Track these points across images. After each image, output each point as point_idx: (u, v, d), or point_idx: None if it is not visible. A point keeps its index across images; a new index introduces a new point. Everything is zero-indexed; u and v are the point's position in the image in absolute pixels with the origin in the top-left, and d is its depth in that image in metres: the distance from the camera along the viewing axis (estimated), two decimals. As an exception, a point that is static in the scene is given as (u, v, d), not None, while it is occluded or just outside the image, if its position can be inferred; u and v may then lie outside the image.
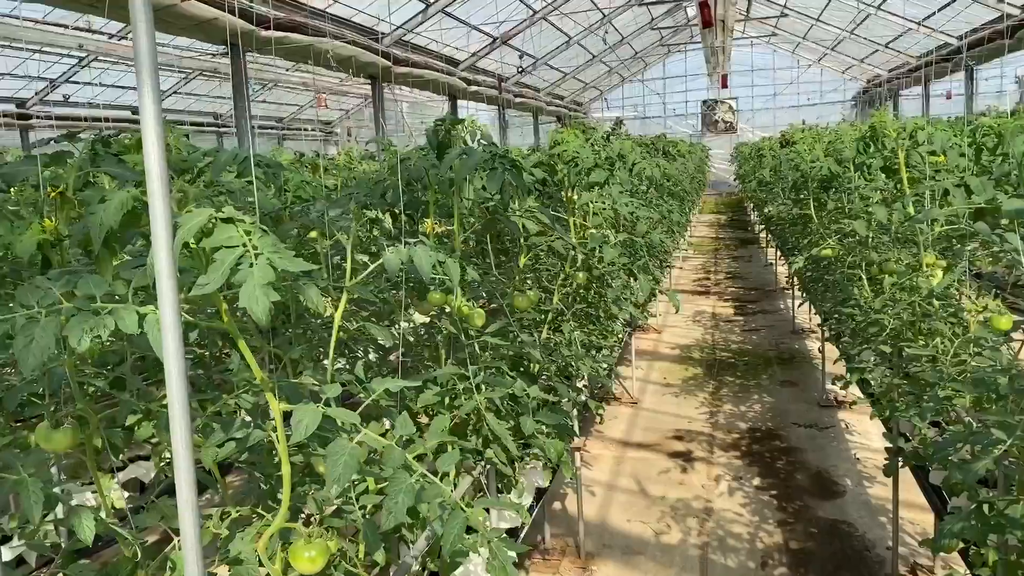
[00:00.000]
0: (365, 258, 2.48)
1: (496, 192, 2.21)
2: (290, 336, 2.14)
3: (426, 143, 2.68)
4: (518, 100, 21.17)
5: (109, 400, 1.92)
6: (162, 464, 2.26)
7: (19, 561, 3.13)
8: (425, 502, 1.38)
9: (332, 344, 1.92)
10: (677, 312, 12.51)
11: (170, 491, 3.35)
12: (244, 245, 1.15)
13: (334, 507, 1.78)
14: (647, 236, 4.05)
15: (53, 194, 1.53)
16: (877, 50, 22.47)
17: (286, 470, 1.47)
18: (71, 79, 17.49)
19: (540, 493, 3.84)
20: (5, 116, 16.21)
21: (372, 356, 2.74)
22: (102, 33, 15.10)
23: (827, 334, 6.33)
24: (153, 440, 2.10)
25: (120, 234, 1.37)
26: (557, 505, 5.34)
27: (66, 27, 14.22)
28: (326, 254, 2.36)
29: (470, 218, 2.91)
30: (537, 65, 21.12)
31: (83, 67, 16.77)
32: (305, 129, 26.96)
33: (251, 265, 1.13)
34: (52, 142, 1.61)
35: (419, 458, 1.59)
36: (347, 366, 2.44)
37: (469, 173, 2.28)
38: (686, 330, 10.18)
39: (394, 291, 3.36)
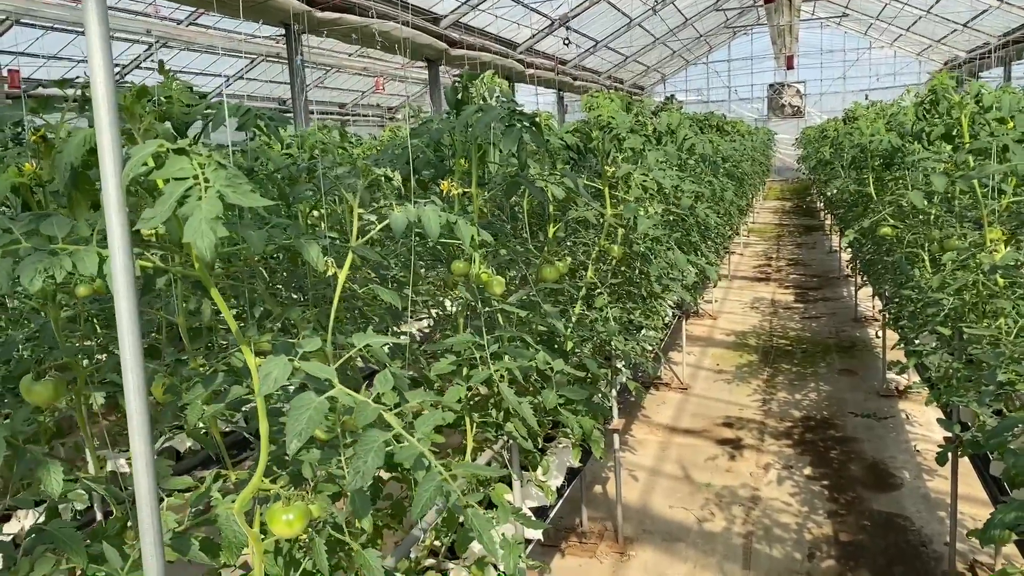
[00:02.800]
0: (374, 218, 2.40)
1: (513, 149, 2.10)
2: (296, 297, 2.08)
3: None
4: (577, 83, 20.90)
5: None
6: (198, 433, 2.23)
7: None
8: (399, 462, 1.29)
9: (334, 303, 1.84)
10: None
11: (206, 461, 3.32)
12: (195, 177, 1.07)
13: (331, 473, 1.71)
14: (692, 211, 3.88)
15: (34, 138, 1.48)
16: (955, 30, 21.46)
17: (263, 427, 1.39)
18: (140, 65, 17.96)
19: (573, 474, 3.73)
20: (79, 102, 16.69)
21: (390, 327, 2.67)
22: (171, 20, 15.47)
23: (887, 319, 6.04)
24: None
25: (88, 174, 1.31)
26: (598, 488, 5.21)
27: (135, 14, 14.61)
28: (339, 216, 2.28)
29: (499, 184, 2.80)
30: (597, 47, 20.81)
31: (152, 53, 17.18)
32: (366, 115, 27.22)
33: (199, 198, 1.05)
34: (39, 87, 1.56)
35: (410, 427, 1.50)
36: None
37: (485, 130, 2.17)
38: (743, 316, 9.89)
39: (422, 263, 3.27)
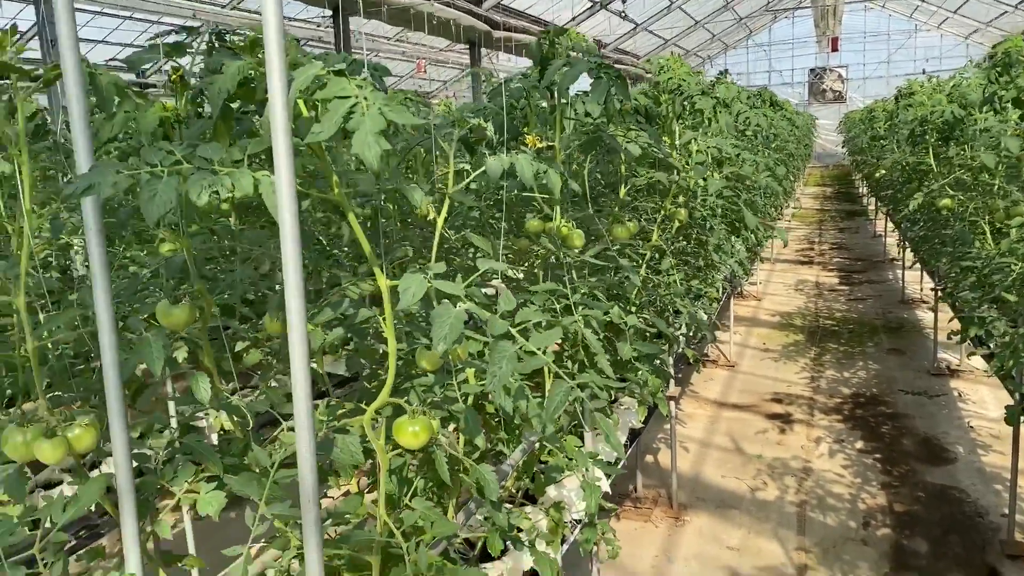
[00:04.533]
0: (467, 166, 2.48)
1: (601, 102, 2.16)
2: (397, 240, 2.17)
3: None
4: (617, 67, 20.79)
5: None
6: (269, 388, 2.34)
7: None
8: (528, 369, 1.37)
9: (435, 244, 1.93)
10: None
11: (273, 421, 3.42)
12: (356, 96, 1.16)
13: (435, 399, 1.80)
14: (753, 179, 3.92)
15: (174, 77, 1.59)
16: (1005, 11, 20.96)
17: (392, 345, 1.48)
18: (187, 50, 18.21)
19: (634, 436, 3.80)
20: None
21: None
22: (215, 4, 15.69)
23: (940, 295, 6.01)
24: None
25: (235, 105, 1.41)
26: (649, 458, 5.28)
27: (182, -1, 14.84)
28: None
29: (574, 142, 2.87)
30: (637, 30, 20.69)
31: (199, 37, 17.43)
32: (404, 99, 27.32)
33: (363, 114, 1.13)
34: (172, 33, 1.66)
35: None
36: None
37: (572, 82, 2.24)
38: (787, 298, 9.85)
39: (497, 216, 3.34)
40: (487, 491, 1.59)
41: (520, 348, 1.35)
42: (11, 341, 2.84)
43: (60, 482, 3.20)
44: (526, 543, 1.86)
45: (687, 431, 5.71)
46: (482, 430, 1.64)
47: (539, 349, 1.40)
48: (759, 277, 10.75)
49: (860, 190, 20.50)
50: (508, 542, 1.96)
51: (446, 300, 1.34)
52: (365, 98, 1.17)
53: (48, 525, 1.38)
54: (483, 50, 14.98)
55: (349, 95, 1.16)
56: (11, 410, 3.19)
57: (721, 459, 5.26)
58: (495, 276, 2.96)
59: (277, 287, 2.15)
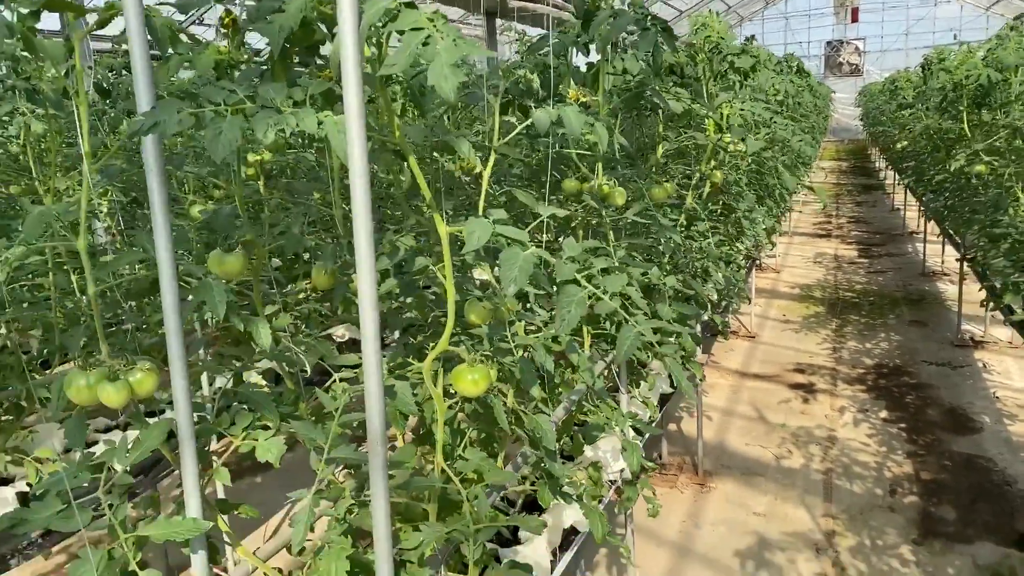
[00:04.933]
0: (513, 120, 2.45)
1: (649, 52, 2.12)
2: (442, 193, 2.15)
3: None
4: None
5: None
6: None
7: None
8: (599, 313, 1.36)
9: (482, 197, 1.90)
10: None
11: (306, 383, 3.37)
12: (430, 28, 1.13)
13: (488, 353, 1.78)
14: (786, 143, 3.87)
15: (227, 20, 1.56)
16: (1028, -19, 20.58)
17: (451, 293, 1.47)
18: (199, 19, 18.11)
19: (663, 401, 3.79)
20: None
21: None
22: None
23: (967, 265, 5.95)
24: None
25: (294, 45, 1.38)
26: (672, 426, 5.28)
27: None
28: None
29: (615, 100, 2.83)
30: (653, 2, 20.43)
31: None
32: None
33: (438, 45, 1.11)
34: (223, -23, 1.63)
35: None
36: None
37: (619, 33, 2.20)
38: (806, 270, 9.79)
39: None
40: (545, 440, 1.58)
41: (587, 292, 1.33)
42: (47, 302, 2.84)
43: (94, 443, 3.22)
44: (574, 497, 1.86)
45: (710, 400, 5.70)
46: (537, 381, 1.63)
47: (607, 294, 1.38)
48: (777, 250, 10.67)
49: (877, 164, 20.31)
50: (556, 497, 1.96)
51: (511, 244, 1.32)
52: (438, 29, 1.14)
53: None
54: (499, 21, 14.82)
55: (423, 26, 1.14)
56: (47, 371, 3.21)
57: (745, 428, 5.25)
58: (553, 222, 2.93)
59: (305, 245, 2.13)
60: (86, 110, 1.38)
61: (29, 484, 2.83)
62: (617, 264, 2.45)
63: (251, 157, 3.03)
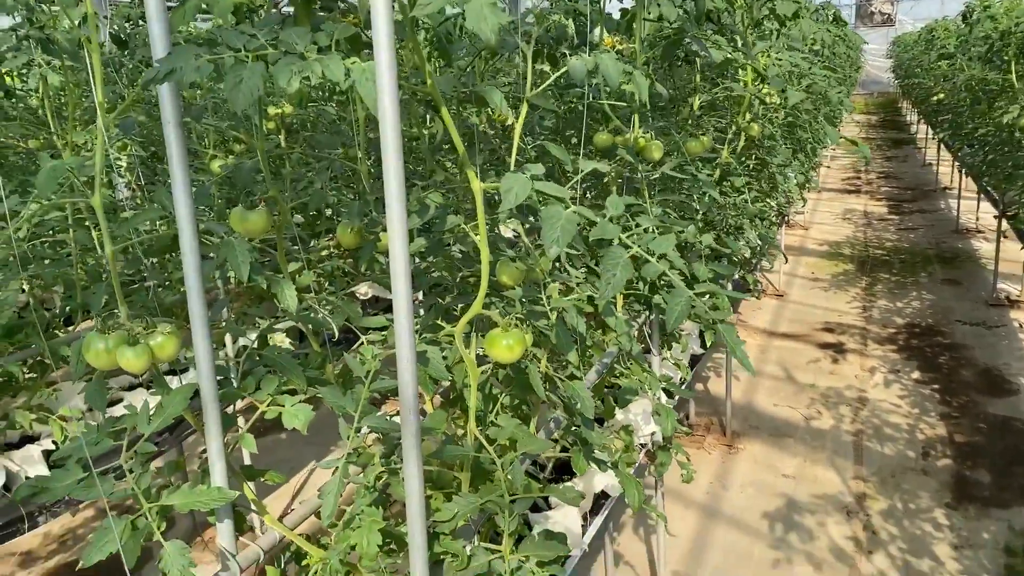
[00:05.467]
0: (547, 67, 2.35)
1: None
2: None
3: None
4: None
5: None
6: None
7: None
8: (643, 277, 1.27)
9: (514, 150, 1.80)
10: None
11: (337, 343, 3.33)
12: (467, -35, 1.03)
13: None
14: (824, 95, 3.72)
15: (245, -40, 1.46)
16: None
17: (484, 253, 1.38)
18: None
19: (693, 361, 3.72)
20: None
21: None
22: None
23: (1008, 221, 5.78)
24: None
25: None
26: (699, 387, 5.21)
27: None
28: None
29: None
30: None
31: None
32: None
33: (476, -17, 1.01)
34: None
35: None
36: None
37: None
38: (834, 227, 9.59)
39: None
40: (582, 407, 1.51)
41: (632, 254, 1.24)
42: (68, 259, 2.79)
43: (119, 401, 3.20)
44: (609, 464, 1.79)
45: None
46: (574, 345, 1.55)
47: (654, 256, 1.29)
48: (806, 206, 10.47)
49: (908, 118, 19.82)
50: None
51: (551, 202, 1.23)
52: (476, -33, 1.04)
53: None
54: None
55: (458, -36, 1.04)
56: (70, 328, 3.18)
57: (773, 388, 5.17)
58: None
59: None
60: (99, 59, 1.29)
61: (54, 442, 2.82)
62: (655, 222, 2.35)
63: (271, 110, 2.94)
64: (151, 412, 1.32)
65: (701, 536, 3.64)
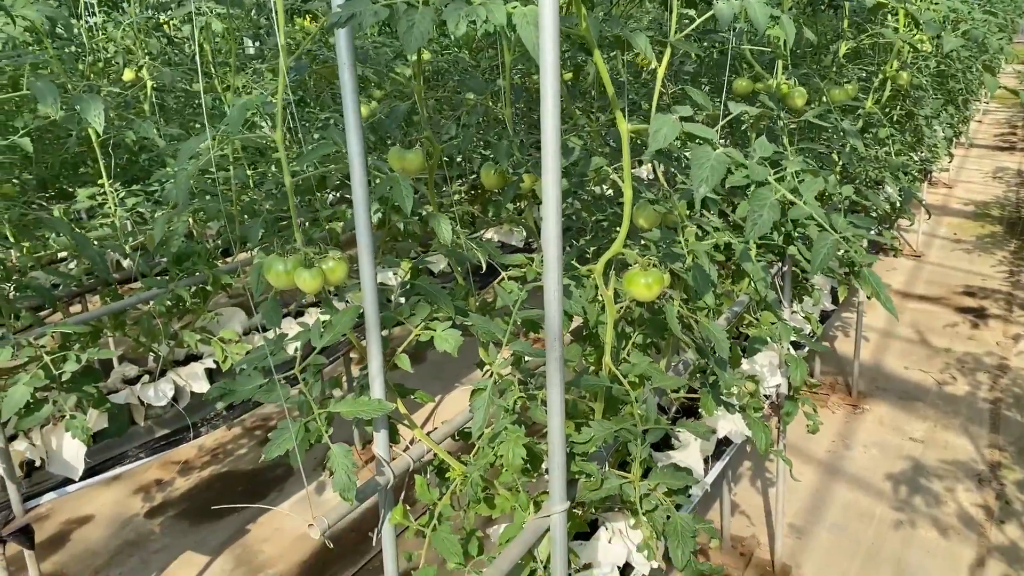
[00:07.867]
0: (692, 12, 2.35)
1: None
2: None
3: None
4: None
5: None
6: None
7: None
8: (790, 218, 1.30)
9: (655, 94, 1.83)
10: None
11: (518, 250, 3.42)
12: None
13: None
14: (983, 43, 3.49)
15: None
16: None
17: (628, 194, 1.44)
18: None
19: (823, 318, 3.65)
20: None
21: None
22: None
23: None
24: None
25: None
26: (825, 345, 5.09)
27: None
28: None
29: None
30: None
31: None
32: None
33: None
34: None
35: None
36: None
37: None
38: (983, 186, 8.99)
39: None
40: (718, 348, 1.56)
41: (779, 196, 1.27)
42: (228, 195, 3.03)
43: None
44: (737, 407, 1.83)
45: (868, 320, 5.42)
46: (710, 287, 1.59)
47: (801, 199, 1.31)
48: (951, 163, 9.84)
49: (1077, 69, 18.05)
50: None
51: (700, 143, 1.27)
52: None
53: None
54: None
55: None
56: (227, 259, 3.45)
57: (904, 350, 4.99)
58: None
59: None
60: (282, 3, 1.41)
61: (215, 361, 3.10)
62: (802, 165, 2.33)
63: (411, 57, 3.06)
64: (322, 329, 1.46)
65: (820, 493, 3.61)
